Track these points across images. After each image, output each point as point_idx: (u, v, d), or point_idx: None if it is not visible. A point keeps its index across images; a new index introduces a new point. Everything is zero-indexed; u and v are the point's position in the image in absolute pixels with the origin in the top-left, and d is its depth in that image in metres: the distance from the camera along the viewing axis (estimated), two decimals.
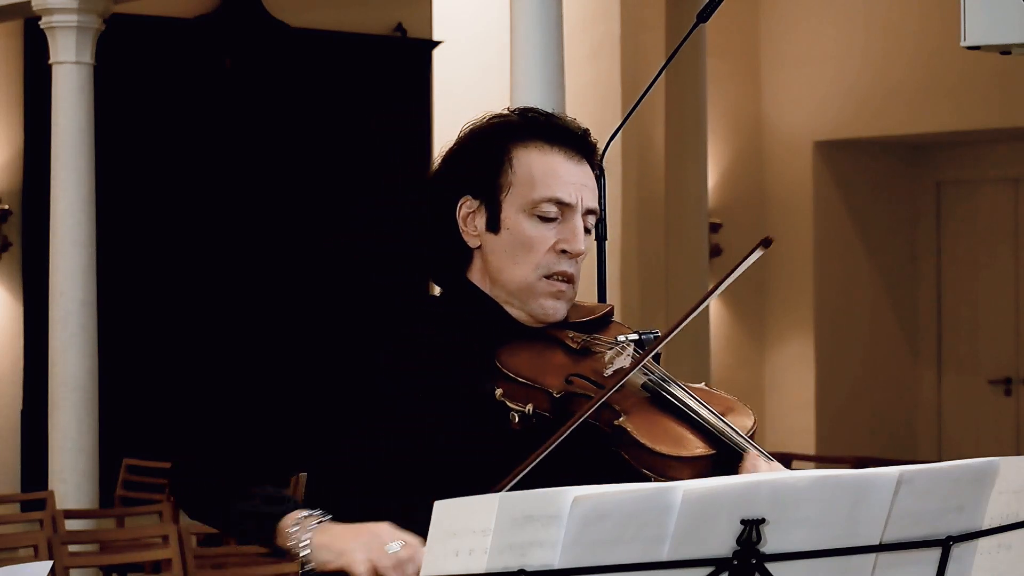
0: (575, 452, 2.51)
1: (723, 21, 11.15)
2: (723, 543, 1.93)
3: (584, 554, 1.87)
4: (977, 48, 4.89)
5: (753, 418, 2.64)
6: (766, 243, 2.52)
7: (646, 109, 10.61)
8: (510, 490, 2.32)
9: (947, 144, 12.34)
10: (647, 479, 2.48)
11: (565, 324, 2.66)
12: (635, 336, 2.67)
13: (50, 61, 8.83)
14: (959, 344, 12.36)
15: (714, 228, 11.89)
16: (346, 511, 2.55)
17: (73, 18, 8.71)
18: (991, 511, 2.07)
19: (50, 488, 8.42)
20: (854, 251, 12.35)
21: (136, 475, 9.35)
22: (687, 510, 1.89)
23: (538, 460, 2.40)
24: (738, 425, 2.59)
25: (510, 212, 2.64)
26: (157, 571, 7.60)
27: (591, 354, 2.61)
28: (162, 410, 10.54)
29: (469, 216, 2.66)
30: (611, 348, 2.62)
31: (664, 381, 2.59)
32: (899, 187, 12.58)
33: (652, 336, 2.68)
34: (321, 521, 2.51)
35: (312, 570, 2.51)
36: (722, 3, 3.79)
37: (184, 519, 8.82)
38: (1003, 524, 2.09)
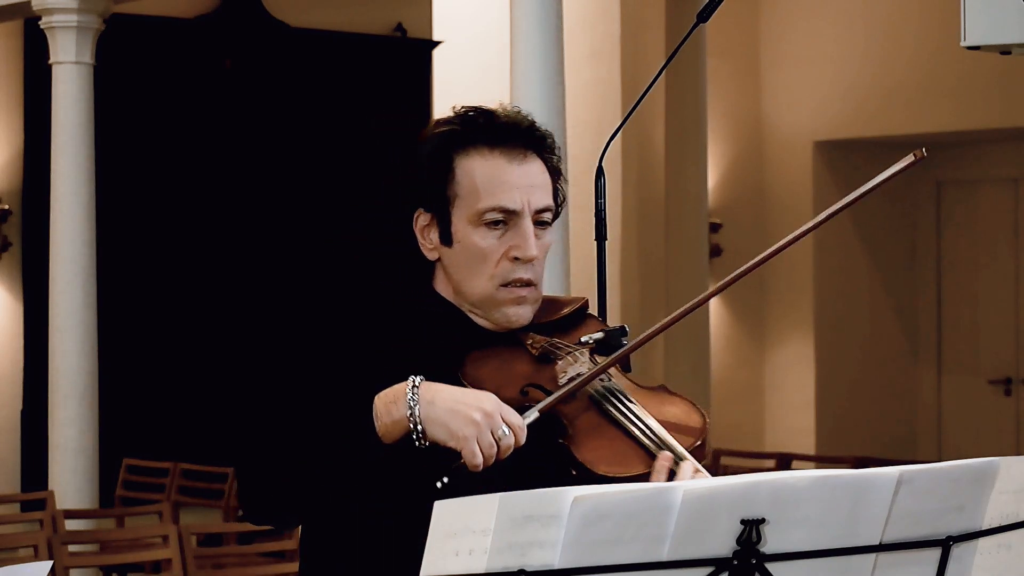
0: (534, 464, 2.48)
1: (723, 21, 11.16)
2: (723, 543, 1.93)
3: (584, 554, 1.87)
4: (977, 48, 4.89)
5: (703, 420, 2.57)
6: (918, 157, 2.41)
7: (646, 109, 10.61)
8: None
9: (947, 144, 12.34)
10: None
11: (533, 326, 2.63)
12: (600, 335, 2.60)
13: (50, 61, 8.83)
14: (959, 344, 12.36)
15: (714, 228, 11.90)
16: (346, 520, 2.54)
17: (73, 18, 8.71)
18: (991, 511, 2.07)
19: (50, 488, 8.42)
20: (854, 251, 12.35)
21: (136, 475, 9.35)
22: (687, 510, 1.89)
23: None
24: (686, 431, 2.52)
25: (459, 224, 2.60)
26: (157, 571, 7.60)
27: (550, 361, 2.57)
28: (162, 410, 10.55)
29: (425, 229, 2.64)
30: (570, 353, 2.57)
31: (614, 390, 2.53)
32: (899, 187, 12.58)
33: (618, 332, 2.61)
34: (418, 384, 2.41)
35: (428, 442, 2.41)
36: (722, 3, 3.79)
37: (184, 519, 8.83)
38: (1003, 524, 2.09)
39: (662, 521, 1.89)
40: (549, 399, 2.45)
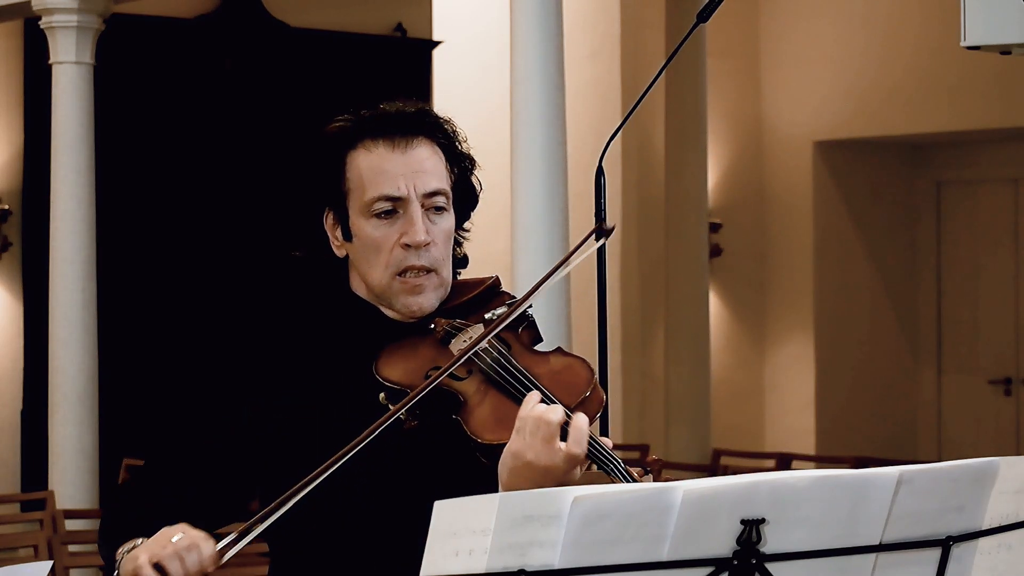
0: (441, 445, 2.52)
1: (723, 21, 11.16)
2: (723, 543, 1.93)
3: (584, 554, 1.87)
4: (977, 48, 4.89)
5: (590, 373, 2.54)
6: (599, 233, 2.48)
7: (646, 109, 10.61)
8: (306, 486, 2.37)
9: (947, 144, 12.34)
10: (487, 465, 2.46)
11: (442, 311, 2.63)
12: (503, 309, 2.59)
13: (50, 61, 8.83)
14: (959, 344, 12.36)
15: (714, 228, 11.89)
16: (308, 547, 2.59)
17: (73, 18, 8.71)
18: (991, 511, 2.07)
19: (50, 488, 8.42)
20: (854, 251, 12.35)
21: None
22: (687, 510, 1.89)
23: (357, 448, 2.40)
24: (572, 385, 2.50)
25: (354, 219, 2.63)
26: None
27: (451, 341, 2.59)
28: (162, 410, 10.54)
29: (332, 227, 2.68)
30: (461, 332, 2.58)
31: (504, 358, 2.53)
32: (899, 187, 12.58)
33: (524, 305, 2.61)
34: (134, 547, 2.51)
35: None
36: (722, 3, 3.79)
37: None
38: (1003, 524, 2.09)
39: (662, 521, 1.89)
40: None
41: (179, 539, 2.43)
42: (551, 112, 6.82)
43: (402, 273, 2.60)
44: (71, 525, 7.52)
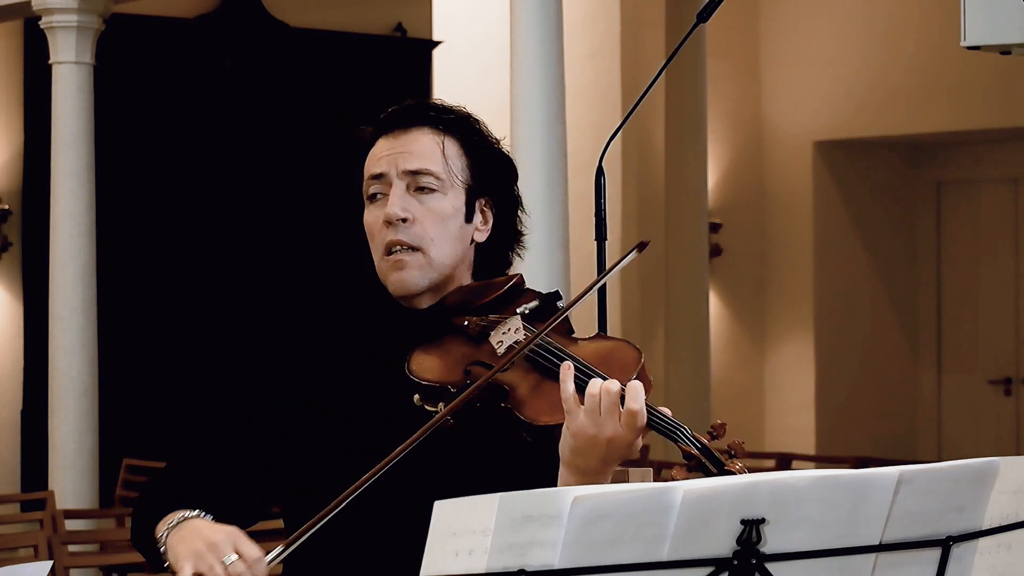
0: (484, 438, 2.53)
1: (723, 21, 11.16)
2: (723, 543, 1.93)
3: (584, 554, 1.87)
4: (977, 48, 4.89)
5: (638, 354, 2.54)
6: (640, 247, 2.50)
7: (646, 109, 10.62)
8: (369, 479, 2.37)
9: (947, 144, 12.34)
10: (546, 454, 2.47)
11: (468, 309, 2.64)
12: (535, 303, 2.61)
13: (50, 61, 8.83)
14: (959, 344, 12.37)
15: (714, 228, 11.90)
16: (322, 544, 2.56)
17: (73, 18, 8.71)
18: (991, 511, 2.07)
19: (50, 488, 8.42)
20: (854, 251, 12.35)
21: (136, 475, 9.35)
22: (687, 510, 1.89)
23: (408, 449, 2.40)
24: (621, 366, 2.50)
25: (366, 208, 2.68)
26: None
27: (487, 337, 2.60)
28: (162, 410, 10.54)
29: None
30: (499, 325, 2.59)
31: (548, 345, 2.54)
32: (899, 187, 12.59)
33: (552, 296, 2.64)
34: (184, 519, 2.52)
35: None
36: (722, 3, 3.79)
37: None
38: (1003, 524, 2.09)
39: (662, 521, 1.89)
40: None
41: (233, 563, 2.42)
42: (551, 112, 6.82)
43: (389, 252, 2.62)
44: (71, 525, 7.52)
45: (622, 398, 2.40)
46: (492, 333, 2.58)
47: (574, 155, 7.26)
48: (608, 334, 2.68)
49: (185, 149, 10.80)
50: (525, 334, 2.55)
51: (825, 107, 12.01)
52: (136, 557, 6.95)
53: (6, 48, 10.56)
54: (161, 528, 2.52)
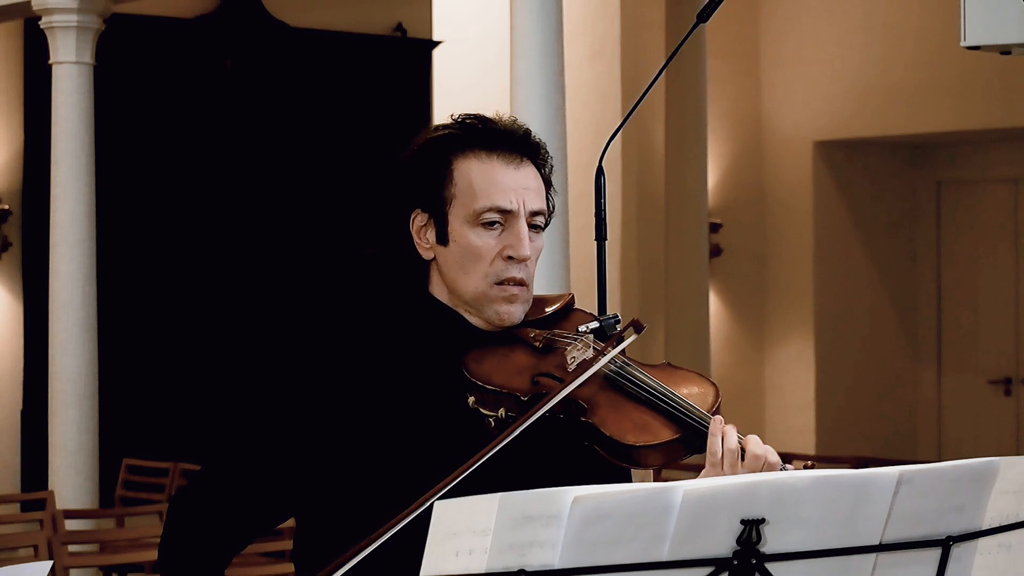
0: (553, 450, 2.56)
1: (723, 21, 11.16)
2: (723, 543, 1.93)
3: (584, 554, 1.87)
4: (977, 48, 4.89)
5: (715, 390, 2.66)
6: (637, 327, 2.60)
7: (646, 109, 10.61)
8: (456, 484, 2.37)
9: (947, 144, 12.34)
10: (623, 469, 2.56)
11: (527, 323, 2.69)
12: (595, 324, 2.68)
13: (50, 61, 8.83)
14: (959, 344, 12.36)
15: (714, 228, 11.90)
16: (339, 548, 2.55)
17: (73, 18, 8.71)
18: (991, 511, 2.07)
19: (50, 488, 8.42)
20: (854, 251, 12.35)
21: (136, 475, 9.35)
22: (687, 510, 1.89)
23: (486, 457, 2.42)
24: (700, 401, 2.60)
25: (456, 224, 2.66)
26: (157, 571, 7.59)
27: (554, 350, 2.64)
28: (162, 410, 10.55)
29: (421, 229, 2.70)
30: (573, 342, 2.64)
31: (626, 366, 2.62)
32: (899, 187, 12.58)
33: (612, 321, 2.69)
34: None
35: None
36: (722, 3, 3.79)
37: None
38: (1003, 524, 2.09)
39: (662, 521, 1.89)
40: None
41: None
42: (551, 112, 6.82)
43: (500, 283, 2.65)
44: (71, 525, 7.52)
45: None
46: (567, 348, 2.63)
47: (574, 155, 7.26)
48: (675, 364, 2.77)
49: (185, 149, 10.80)
50: (594, 352, 2.60)
51: (825, 107, 12.01)
52: (136, 557, 6.95)
53: (6, 48, 10.56)
54: None
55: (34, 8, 8.85)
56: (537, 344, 2.64)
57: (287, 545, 6.70)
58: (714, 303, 11.75)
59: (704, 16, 3.79)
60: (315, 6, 11.22)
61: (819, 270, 12.19)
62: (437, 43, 11.42)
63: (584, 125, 10.11)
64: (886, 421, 12.36)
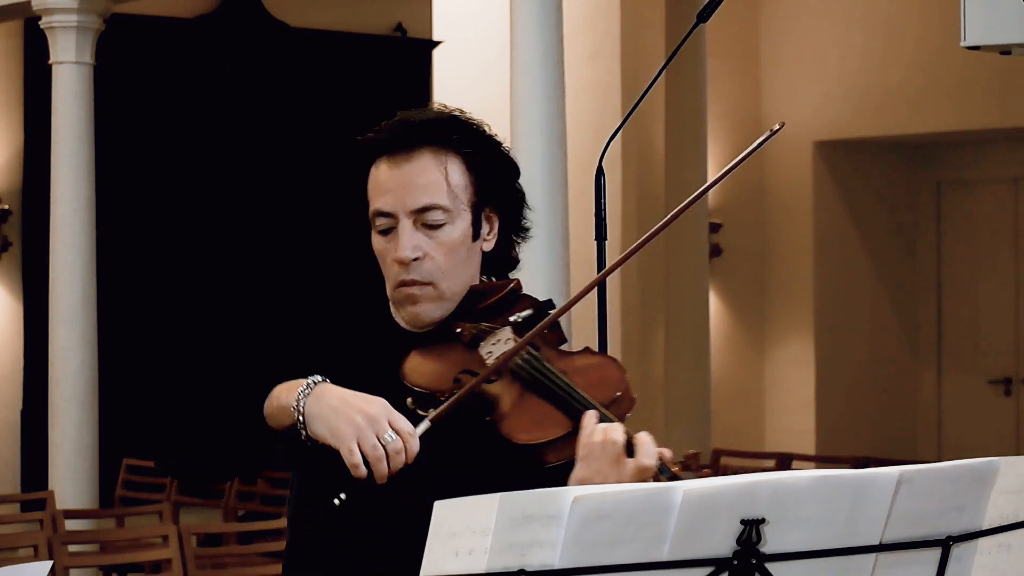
0: (465, 448, 2.54)
1: (723, 21, 11.16)
2: (723, 543, 1.93)
3: (584, 554, 1.87)
4: (977, 48, 4.89)
5: (622, 372, 2.57)
6: (540, 311, 2.56)
7: (646, 109, 10.61)
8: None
9: (947, 144, 12.34)
10: (528, 468, 2.48)
11: (463, 316, 2.64)
12: (528, 312, 2.62)
13: (50, 61, 8.83)
14: (959, 344, 12.36)
15: (714, 228, 11.89)
16: (327, 549, 2.58)
17: (73, 18, 8.71)
18: (991, 511, 2.07)
19: (50, 488, 8.42)
20: (854, 251, 12.35)
21: (136, 475, 9.35)
22: (687, 510, 1.89)
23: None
24: (605, 384, 2.53)
25: (373, 232, 2.67)
26: (157, 571, 7.60)
27: (479, 345, 2.61)
28: (162, 410, 10.54)
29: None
30: (490, 335, 2.60)
31: (533, 360, 2.55)
32: (899, 187, 12.58)
33: (546, 305, 2.64)
34: (316, 383, 2.48)
35: (311, 438, 2.46)
36: (722, 3, 3.79)
37: (184, 519, 8.83)
38: (1003, 524, 2.10)
39: (662, 521, 1.89)
40: (444, 404, 2.47)
41: (392, 441, 2.40)
42: (551, 112, 6.82)
43: (400, 286, 2.63)
44: (71, 525, 7.52)
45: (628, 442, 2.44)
46: (483, 342, 2.59)
47: (574, 155, 7.26)
48: (595, 349, 2.69)
49: (185, 149, 10.81)
50: (514, 343, 2.55)
51: (825, 107, 12.01)
52: (136, 557, 6.95)
53: (6, 48, 10.56)
54: (288, 396, 2.47)
55: (34, 8, 8.86)
56: (465, 339, 2.61)
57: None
58: (714, 303, 11.75)
59: (704, 16, 3.79)
60: (315, 6, 11.22)
61: (819, 270, 12.19)
62: (437, 43, 11.42)
63: (584, 125, 10.11)
64: (886, 421, 12.36)
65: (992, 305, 12.15)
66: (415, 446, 2.42)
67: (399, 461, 2.40)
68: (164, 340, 10.67)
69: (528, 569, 1.86)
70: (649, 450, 2.42)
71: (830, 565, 1.99)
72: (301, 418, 2.45)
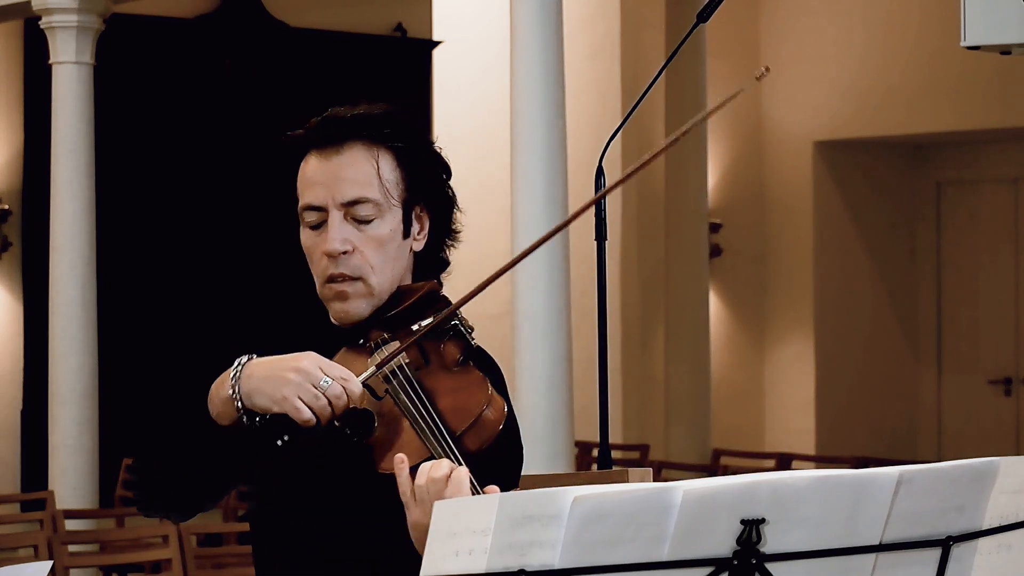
0: (348, 463, 2.51)
1: (723, 21, 11.15)
2: (723, 543, 1.93)
3: (584, 554, 1.87)
4: (977, 48, 4.89)
5: (481, 392, 2.51)
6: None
7: (646, 109, 10.61)
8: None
9: (947, 144, 12.34)
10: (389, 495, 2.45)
11: (377, 321, 2.60)
12: (428, 320, 2.55)
13: (50, 61, 8.83)
14: (959, 344, 12.36)
15: (714, 228, 11.90)
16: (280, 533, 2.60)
17: (73, 18, 8.71)
18: (991, 511, 2.07)
19: (50, 488, 8.42)
20: (854, 251, 12.35)
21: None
22: (687, 510, 1.89)
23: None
24: (464, 413, 2.48)
25: (301, 227, 2.65)
26: (157, 571, 7.61)
27: (372, 355, 2.57)
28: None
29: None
30: (386, 345, 2.56)
31: (412, 381, 2.51)
32: (899, 187, 12.58)
33: (452, 319, 2.58)
34: (243, 363, 2.49)
35: (263, 416, 2.44)
36: (722, 3, 3.79)
37: None
38: (1003, 524, 2.09)
39: (662, 521, 1.89)
40: (369, 371, 2.45)
41: (329, 387, 2.41)
42: (551, 112, 6.82)
43: (330, 281, 2.60)
44: (71, 525, 7.52)
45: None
46: (375, 353, 2.54)
47: (574, 155, 7.26)
48: (471, 365, 2.58)
49: (185, 149, 10.80)
50: (405, 358, 2.51)
51: (825, 107, 12.01)
52: (136, 557, 6.95)
53: (6, 48, 10.56)
54: (223, 385, 2.48)
55: (34, 8, 8.86)
56: (370, 348, 2.57)
57: None
58: (714, 303, 11.75)
59: (704, 16, 3.79)
60: (315, 6, 11.22)
61: (819, 270, 12.20)
62: (437, 43, 11.42)
63: (584, 125, 10.11)
64: (886, 421, 12.36)
65: (992, 305, 12.15)
66: (355, 387, 2.42)
67: (341, 404, 2.41)
68: (165, 340, 10.67)
69: (528, 569, 1.86)
70: (455, 490, 2.37)
71: (830, 565, 1.99)
72: (239, 401, 2.46)
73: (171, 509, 2.65)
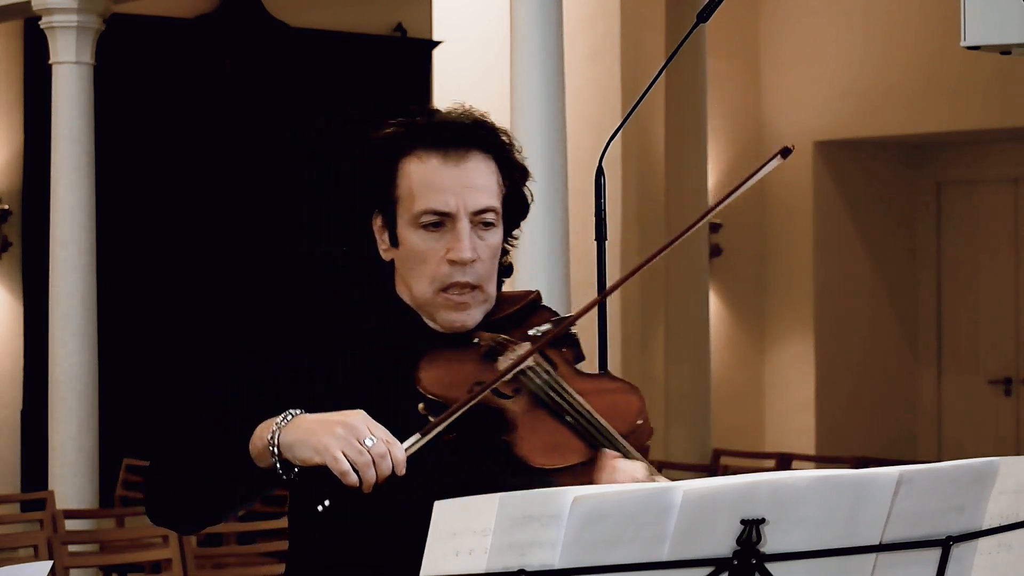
0: (479, 459, 2.51)
1: (723, 21, 11.15)
2: (723, 543, 1.93)
3: (584, 554, 1.87)
4: (977, 48, 4.89)
5: (640, 401, 2.57)
6: (784, 153, 2.45)
7: (646, 109, 10.61)
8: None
9: (947, 144, 12.34)
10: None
11: (484, 324, 2.61)
12: (547, 326, 2.59)
13: (50, 61, 8.83)
14: (959, 344, 12.36)
15: (714, 228, 11.90)
16: (326, 545, 2.57)
17: (73, 18, 8.71)
18: (991, 511, 2.07)
19: (50, 488, 8.42)
20: (854, 251, 12.35)
21: (136, 475, 9.35)
22: (687, 510, 1.89)
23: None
24: (623, 414, 2.53)
25: (402, 226, 2.60)
26: (157, 571, 7.60)
27: (497, 357, 2.57)
28: (162, 410, 10.54)
29: (380, 231, 2.64)
30: (508, 349, 2.56)
31: (551, 382, 2.53)
32: (899, 187, 12.58)
33: (565, 320, 2.61)
34: (293, 416, 2.44)
35: (296, 469, 2.42)
36: (722, 3, 3.79)
37: None
38: (1003, 524, 2.10)
39: (662, 521, 1.89)
40: (442, 417, 2.42)
41: (374, 445, 2.37)
42: (551, 112, 6.82)
43: (446, 289, 2.58)
44: (71, 525, 7.52)
45: None
46: (501, 356, 2.55)
47: (574, 155, 7.26)
48: (610, 372, 2.67)
49: (185, 149, 10.80)
50: (535, 360, 2.52)
51: (825, 107, 12.01)
52: (136, 557, 6.95)
53: (6, 48, 10.56)
54: (263, 433, 2.43)
55: (34, 8, 8.86)
56: (483, 350, 2.57)
57: (287, 545, 6.69)
58: (714, 303, 11.75)
59: (704, 16, 3.79)
60: (315, 6, 11.22)
61: (819, 270, 12.19)
62: (437, 43, 11.42)
63: (584, 125, 10.11)
64: (886, 421, 12.36)
65: (992, 305, 12.15)
66: (399, 452, 2.38)
67: (385, 466, 2.36)
68: (165, 340, 10.67)
69: (528, 569, 1.86)
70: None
71: (830, 565, 1.99)
72: (275, 449, 2.41)
73: (185, 522, 2.64)
